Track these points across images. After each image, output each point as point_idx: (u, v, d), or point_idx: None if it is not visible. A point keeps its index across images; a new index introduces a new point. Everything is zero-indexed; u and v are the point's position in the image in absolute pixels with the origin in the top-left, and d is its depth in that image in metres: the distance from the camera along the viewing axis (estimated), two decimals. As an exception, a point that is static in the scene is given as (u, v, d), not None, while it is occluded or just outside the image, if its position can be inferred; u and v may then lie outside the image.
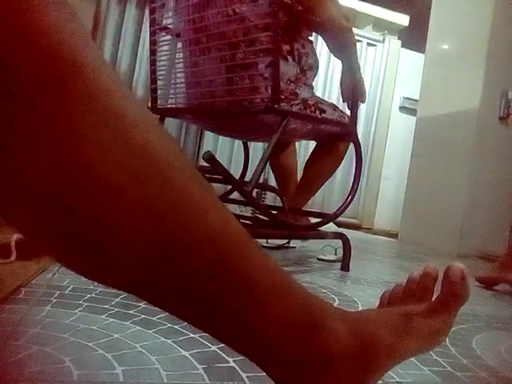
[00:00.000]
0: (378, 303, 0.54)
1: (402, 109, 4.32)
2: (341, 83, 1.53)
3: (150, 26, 1.54)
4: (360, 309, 1.02)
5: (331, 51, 1.48)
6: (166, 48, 1.61)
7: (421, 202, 3.32)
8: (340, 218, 3.88)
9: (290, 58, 1.35)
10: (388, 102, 4.31)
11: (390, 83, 4.32)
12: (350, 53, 1.43)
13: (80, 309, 0.74)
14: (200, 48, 1.39)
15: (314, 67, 1.44)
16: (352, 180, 1.52)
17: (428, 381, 0.64)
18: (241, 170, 1.98)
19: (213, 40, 1.33)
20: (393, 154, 4.28)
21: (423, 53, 3.65)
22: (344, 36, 1.39)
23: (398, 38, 4.58)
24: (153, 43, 1.55)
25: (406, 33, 4.80)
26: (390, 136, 4.31)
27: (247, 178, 1.68)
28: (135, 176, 0.29)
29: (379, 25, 4.69)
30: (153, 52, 1.55)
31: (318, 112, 1.40)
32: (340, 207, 1.48)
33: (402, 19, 4.80)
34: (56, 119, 0.26)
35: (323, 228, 1.49)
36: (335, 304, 1.04)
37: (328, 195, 3.98)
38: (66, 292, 0.83)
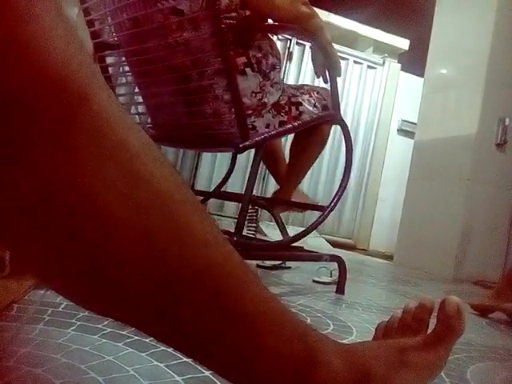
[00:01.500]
0: (373, 334, 0.54)
1: (400, 131, 4.35)
2: (312, 59, 1.44)
3: (91, 38, 1.37)
4: (354, 334, 1.02)
5: (300, 38, 1.38)
6: (123, 80, 1.50)
7: (417, 225, 3.32)
8: (335, 239, 3.89)
9: (248, 69, 1.24)
10: (386, 124, 4.35)
11: (388, 106, 4.36)
12: (319, 32, 1.30)
13: (73, 328, 0.73)
14: (151, 79, 1.29)
15: (276, 64, 1.33)
16: (343, 170, 1.47)
17: (422, 413, 0.64)
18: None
19: (161, 72, 1.24)
20: (390, 176, 4.31)
21: (422, 77, 3.70)
22: (310, 25, 1.27)
23: (398, 62, 4.64)
24: (100, 60, 1.40)
25: (406, 56, 4.87)
26: (387, 158, 4.34)
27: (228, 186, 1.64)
28: (137, 208, 0.29)
29: (379, 48, 4.75)
30: (104, 70, 1.41)
31: (293, 108, 1.32)
32: (333, 199, 1.44)
33: (402, 43, 4.88)
34: (59, 152, 0.26)
35: (319, 245, 1.49)
36: (330, 329, 1.03)
37: (328, 191, 3.97)
38: (59, 310, 0.82)
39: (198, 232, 0.32)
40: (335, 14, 4.42)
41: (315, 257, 1.53)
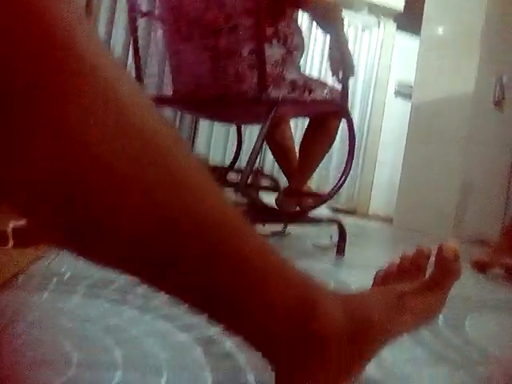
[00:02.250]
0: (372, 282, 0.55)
1: (398, 94, 4.31)
2: (329, 56, 1.53)
3: (129, 12, 1.48)
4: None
5: (319, 26, 1.46)
6: (154, 34, 1.57)
7: (416, 187, 3.34)
8: (335, 204, 3.91)
9: (274, 40, 1.32)
10: (383, 86, 4.30)
11: (385, 68, 4.30)
12: (338, 28, 1.42)
13: (78, 295, 0.75)
14: (181, 36, 1.35)
15: (300, 47, 1.42)
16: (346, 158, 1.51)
17: (421, 360, 0.66)
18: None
19: (193, 27, 1.30)
20: (388, 139, 4.29)
21: (419, 36, 3.63)
22: (331, 12, 1.37)
23: (394, 22, 4.54)
24: (134, 30, 1.49)
25: (402, 16, 4.76)
26: (385, 121, 4.32)
27: (242, 161, 1.68)
28: (134, 161, 0.29)
29: (374, 8, 4.64)
30: (135, 40, 1.50)
31: (307, 92, 1.39)
32: (335, 186, 1.48)
33: (398, 3, 4.76)
34: (48, 100, 0.26)
35: (319, 214, 1.51)
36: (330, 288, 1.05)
37: (324, 176, 3.98)
38: (64, 278, 0.83)
39: (195, 185, 0.33)
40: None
41: (315, 220, 1.54)
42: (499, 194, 3.06)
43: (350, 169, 1.51)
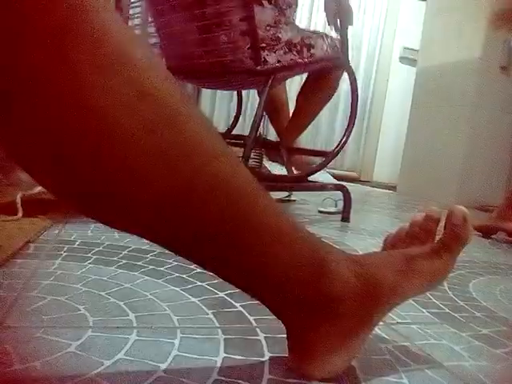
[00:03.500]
0: (381, 246, 0.56)
1: (403, 59, 4.23)
2: (325, 7, 1.47)
3: None
4: (361, 257, 1.05)
5: None
6: (137, 10, 1.52)
7: (420, 154, 3.32)
8: (339, 171, 3.90)
9: (265, 1, 1.26)
10: (388, 52, 4.23)
11: (389, 33, 4.22)
12: None
13: (90, 261, 0.76)
14: (168, 5, 1.30)
15: (292, 3, 1.35)
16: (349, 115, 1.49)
17: (427, 321, 0.67)
18: (240, 122, 1.95)
19: (182, 1, 1.25)
20: (393, 106, 4.24)
21: (425, 0, 3.54)
22: None
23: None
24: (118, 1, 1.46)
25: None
26: (389, 87, 4.26)
27: (242, 127, 1.66)
28: (146, 124, 0.29)
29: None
30: (120, 10, 1.48)
31: (305, 49, 1.34)
32: (338, 144, 1.47)
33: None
34: (61, 66, 0.26)
35: (323, 179, 1.51)
36: (336, 253, 1.06)
37: (330, 138, 3.96)
38: (75, 246, 0.85)
39: (206, 145, 0.33)
40: None
41: (319, 186, 1.55)
42: (504, 160, 3.05)
43: (353, 125, 1.48)
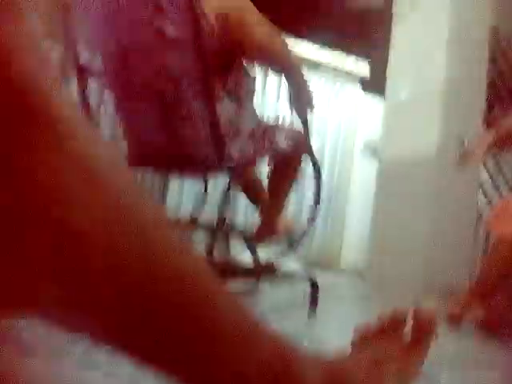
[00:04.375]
0: (350, 344, 0.54)
1: (365, 152, 4.46)
2: (288, 96, 1.48)
3: (77, 74, 1.41)
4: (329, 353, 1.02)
5: (274, 72, 1.44)
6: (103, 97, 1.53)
7: (385, 240, 3.38)
8: (306, 258, 3.89)
9: (225, 96, 1.29)
10: (350, 146, 4.45)
11: (351, 129, 4.48)
12: (293, 69, 1.38)
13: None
14: (131, 101, 1.32)
15: (251, 89, 1.39)
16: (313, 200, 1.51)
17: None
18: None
19: (141, 92, 1.27)
20: (357, 196, 4.38)
21: (383, 98, 3.81)
22: (287, 62, 1.35)
23: (359, 85, 4.78)
24: (83, 89, 1.41)
25: (368, 80, 5.02)
26: (353, 179, 4.43)
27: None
28: (99, 219, 0.28)
29: (340, 72, 4.89)
30: (84, 99, 1.42)
31: (266, 139, 1.36)
32: (306, 228, 1.47)
33: (362, 67, 5.03)
34: (20, 160, 0.26)
35: (290, 269, 1.50)
36: (305, 347, 1.03)
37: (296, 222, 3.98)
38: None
39: (163, 242, 0.32)
40: (295, 38, 4.54)
41: (286, 276, 1.53)
42: (467, 247, 3.13)
43: (319, 206, 1.50)
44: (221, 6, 1.23)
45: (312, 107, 1.45)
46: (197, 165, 1.31)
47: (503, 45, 3.49)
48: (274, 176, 1.60)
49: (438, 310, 0.45)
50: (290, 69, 1.36)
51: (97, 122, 1.45)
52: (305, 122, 1.44)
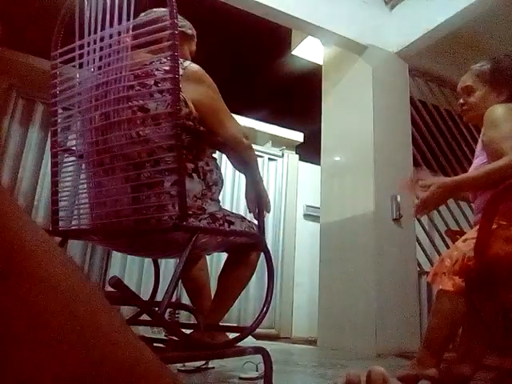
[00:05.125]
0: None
1: (307, 216, 4.56)
2: (246, 195, 1.62)
3: (51, 148, 1.53)
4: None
5: (234, 166, 1.56)
6: (69, 169, 1.58)
7: (335, 306, 3.38)
8: (258, 330, 3.80)
9: (195, 175, 1.39)
10: (292, 210, 4.55)
11: (292, 193, 4.60)
12: (253, 167, 1.53)
13: None
14: (104, 169, 1.39)
15: (218, 182, 1.50)
16: (266, 290, 1.52)
17: None
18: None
19: (117, 161, 1.34)
20: (303, 260, 4.41)
21: (319, 164, 3.98)
22: (245, 153, 1.48)
23: (296, 153, 4.99)
24: (54, 165, 1.53)
25: (303, 147, 5.25)
26: (298, 243, 4.48)
27: (158, 296, 1.61)
28: (37, 310, 0.26)
29: (277, 141, 5.09)
30: (54, 173, 1.53)
31: (226, 224, 1.42)
32: (257, 318, 1.45)
33: (298, 136, 5.28)
34: None
35: (242, 343, 1.44)
36: (262, 427, 0.97)
37: (244, 308, 3.93)
38: None
39: (104, 332, 0.30)
40: (235, 113, 4.74)
41: (239, 352, 1.47)
42: (412, 304, 3.19)
43: (271, 299, 1.51)
44: (198, 96, 1.40)
45: (268, 208, 1.58)
46: (158, 228, 1.31)
47: (420, 108, 3.82)
48: (227, 271, 1.57)
49: (391, 371, 0.44)
50: (250, 163, 1.51)
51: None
52: (261, 220, 1.51)
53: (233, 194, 4.25)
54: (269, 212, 1.58)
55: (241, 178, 4.09)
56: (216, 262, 3.56)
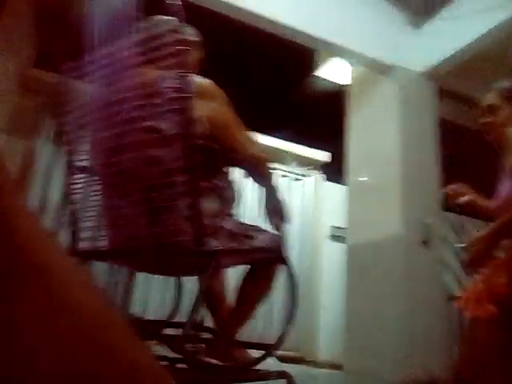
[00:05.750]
0: None
1: (333, 237, 4.49)
2: (265, 208, 1.59)
3: (67, 168, 1.52)
4: None
5: (253, 179, 1.55)
6: (89, 189, 1.59)
7: (362, 330, 3.30)
8: (282, 352, 3.75)
9: (210, 193, 1.38)
10: (318, 231, 4.49)
11: (318, 213, 4.55)
12: (271, 179, 1.53)
13: None
14: (117, 191, 1.38)
15: (234, 198, 1.50)
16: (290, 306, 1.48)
17: None
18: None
19: (130, 183, 1.32)
20: (329, 283, 4.34)
21: (345, 184, 3.94)
22: (264, 167, 1.49)
23: (322, 173, 4.95)
24: (71, 184, 1.52)
25: (329, 167, 5.22)
26: (324, 264, 4.41)
27: (180, 315, 1.60)
28: (59, 336, 0.26)
29: (303, 161, 5.08)
30: (72, 193, 1.52)
31: (246, 240, 1.40)
32: (280, 336, 1.42)
33: (324, 155, 5.25)
34: None
35: (265, 366, 1.41)
36: None
37: (268, 326, 3.86)
38: None
39: (129, 358, 0.30)
40: (260, 133, 4.75)
41: (262, 376, 1.44)
42: (442, 330, 3.08)
43: (294, 316, 1.47)
44: (211, 113, 1.38)
45: (287, 219, 1.56)
46: (177, 252, 1.30)
47: (449, 129, 3.75)
48: (246, 285, 1.56)
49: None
50: (266, 179, 1.51)
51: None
52: (281, 231, 1.50)
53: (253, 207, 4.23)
54: (288, 223, 1.57)
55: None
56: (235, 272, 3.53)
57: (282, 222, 1.52)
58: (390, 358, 2.95)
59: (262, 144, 4.42)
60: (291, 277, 1.49)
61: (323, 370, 3.44)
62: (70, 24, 1.50)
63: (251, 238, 1.43)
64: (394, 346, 2.96)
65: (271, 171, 1.55)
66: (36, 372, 0.25)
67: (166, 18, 1.41)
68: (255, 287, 1.55)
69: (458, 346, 2.00)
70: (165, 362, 1.40)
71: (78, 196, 1.54)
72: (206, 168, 1.38)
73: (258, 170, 1.48)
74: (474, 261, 1.56)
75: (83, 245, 1.52)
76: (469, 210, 1.70)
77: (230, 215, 1.46)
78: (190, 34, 1.61)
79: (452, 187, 1.87)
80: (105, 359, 0.29)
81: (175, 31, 1.24)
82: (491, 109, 1.76)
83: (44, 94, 3.56)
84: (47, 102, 3.62)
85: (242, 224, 1.50)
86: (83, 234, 1.53)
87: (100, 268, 3.36)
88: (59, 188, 3.52)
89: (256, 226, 1.55)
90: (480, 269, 1.66)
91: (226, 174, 1.50)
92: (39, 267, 0.27)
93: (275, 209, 1.53)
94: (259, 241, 1.44)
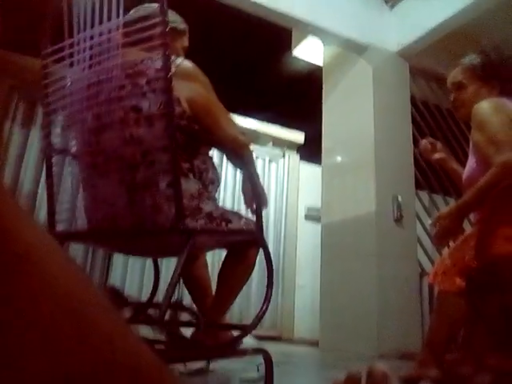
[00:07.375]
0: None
1: (308, 217, 4.54)
2: (243, 192, 1.62)
3: (44, 150, 1.51)
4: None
5: (231, 162, 1.56)
6: (68, 170, 1.58)
7: (337, 308, 3.37)
8: (259, 331, 3.81)
9: (190, 174, 1.38)
10: (293, 211, 4.53)
11: (293, 194, 4.58)
12: (249, 163, 1.52)
13: None
14: (98, 171, 1.37)
15: (215, 181, 1.49)
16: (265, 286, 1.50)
17: None
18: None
19: (111, 163, 1.33)
20: (305, 262, 4.40)
21: (321, 165, 3.97)
22: (243, 150, 1.48)
23: (297, 153, 4.97)
24: (48, 167, 1.51)
25: (304, 148, 5.24)
26: (299, 244, 4.46)
27: (159, 295, 1.60)
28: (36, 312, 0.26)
29: (278, 142, 5.08)
30: (49, 175, 1.51)
31: (223, 223, 1.41)
32: (257, 316, 1.44)
33: (298, 136, 5.26)
34: None
35: (244, 345, 1.44)
36: (261, 429, 0.96)
37: (245, 306, 3.91)
38: None
39: (106, 334, 0.30)
40: (235, 114, 4.72)
41: (239, 352, 1.47)
42: (414, 305, 3.18)
43: (271, 296, 1.49)
44: (191, 94, 1.39)
45: (265, 203, 1.59)
46: (155, 231, 1.30)
47: (420, 108, 3.81)
48: (226, 269, 1.56)
49: (393, 371, 0.43)
50: (245, 162, 1.51)
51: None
52: (258, 215, 1.51)
53: (234, 193, 4.25)
54: (265, 207, 1.58)
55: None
56: (218, 260, 3.56)
57: (260, 206, 1.53)
58: (365, 334, 3.03)
59: (242, 127, 4.43)
60: (268, 258, 1.51)
61: (299, 347, 3.51)
62: (51, 7, 1.46)
63: (229, 221, 1.43)
64: (368, 322, 3.04)
65: (251, 154, 1.55)
66: (25, 374, 0.25)
67: (152, 4, 1.42)
68: (234, 271, 1.56)
69: (430, 321, 2.06)
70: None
71: (54, 178, 1.52)
72: (187, 149, 1.39)
73: (237, 153, 1.48)
74: (440, 236, 1.60)
75: (60, 227, 1.51)
76: (439, 169, 1.73)
77: (211, 198, 1.46)
78: (176, 20, 1.62)
79: (425, 143, 1.90)
80: (84, 336, 0.29)
81: (159, 13, 1.23)
82: (458, 86, 1.78)
83: (12, 75, 3.46)
84: (16, 85, 3.51)
85: (222, 207, 1.51)
86: (60, 216, 1.51)
87: (78, 248, 3.34)
88: (32, 171, 3.44)
89: (235, 211, 1.56)
90: (447, 244, 1.71)
91: (208, 156, 1.50)
92: (24, 253, 0.27)
93: (253, 193, 1.53)
94: (236, 224, 1.46)
